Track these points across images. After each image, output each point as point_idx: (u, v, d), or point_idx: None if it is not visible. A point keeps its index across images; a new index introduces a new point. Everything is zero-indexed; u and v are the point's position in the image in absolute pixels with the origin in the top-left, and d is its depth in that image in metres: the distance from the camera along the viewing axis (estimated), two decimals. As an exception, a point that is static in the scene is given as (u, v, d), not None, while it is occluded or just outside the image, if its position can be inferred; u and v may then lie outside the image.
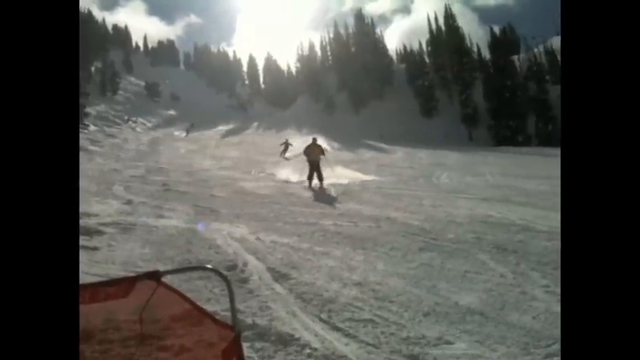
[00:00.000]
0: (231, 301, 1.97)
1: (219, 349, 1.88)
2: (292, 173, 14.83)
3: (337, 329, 3.32)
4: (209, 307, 3.58)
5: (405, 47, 63.86)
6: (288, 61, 75.69)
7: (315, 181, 12.63)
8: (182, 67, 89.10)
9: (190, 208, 8.63)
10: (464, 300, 3.78)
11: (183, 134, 46.06)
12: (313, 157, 13.05)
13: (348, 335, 3.22)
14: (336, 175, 13.69)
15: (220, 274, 2.03)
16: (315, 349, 3.00)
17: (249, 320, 3.47)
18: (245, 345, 3.05)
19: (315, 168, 12.80)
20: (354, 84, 56.46)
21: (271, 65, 75.77)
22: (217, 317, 2.45)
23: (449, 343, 3.06)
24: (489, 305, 3.68)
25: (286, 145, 27.44)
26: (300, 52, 69.24)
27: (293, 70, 71.91)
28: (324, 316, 3.57)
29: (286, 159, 23.82)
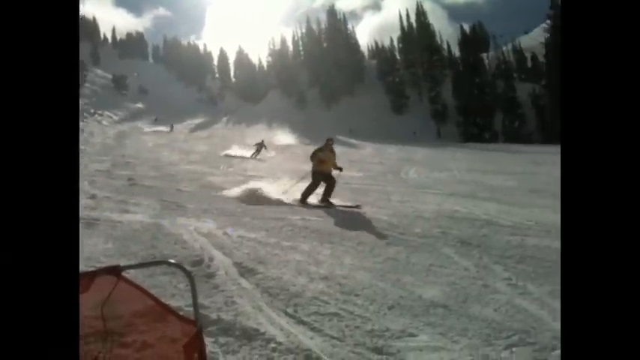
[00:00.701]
0: (194, 296, 1.95)
1: (182, 344, 1.87)
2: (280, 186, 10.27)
3: (303, 323, 3.32)
4: (173, 303, 3.54)
5: (376, 43, 64.31)
6: (259, 55, 75.03)
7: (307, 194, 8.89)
8: (151, 60, 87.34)
9: (156, 203, 8.49)
10: (428, 293, 3.83)
11: (168, 129, 45.26)
12: (324, 167, 8.99)
13: (313, 329, 3.22)
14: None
15: (182, 269, 2.01)
16: (280, 344, 2.99)
17: (213, 315, 3.43)
18: (209, 340, 3.03)
19: (322, 181, 8.90)
20: (325, 79, 56.59)
21: (242, 59, 75.01)
22: (181, 313, 2.43)
23: (412, 335, 3.10)
24: (452, 298, 3.74)
25: (260, 146, 25.00)
26: (271, 47, 68.94)
27: (264, 64, 71.39)
28: (290, 310, 3.56)
29: (258, 160, 22.38)
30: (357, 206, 8.18)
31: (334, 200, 8.62)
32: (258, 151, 24.64)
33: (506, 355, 2.83)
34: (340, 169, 9.30)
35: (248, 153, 24.18)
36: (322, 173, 8.95)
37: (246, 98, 66.66)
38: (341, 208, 8.15)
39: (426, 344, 2.98)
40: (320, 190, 8.89)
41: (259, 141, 26.04)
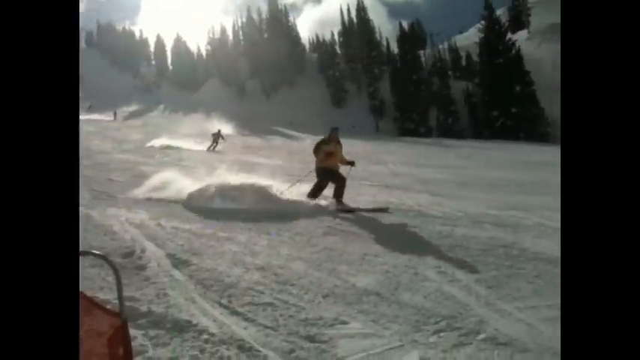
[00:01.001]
0: (119, 288, 1.91)
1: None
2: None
3: (236, 314, 3.30)
4: (102, 296, 3.43)
5: (317, 37, 64.42)
6: (198, 43, 72.82)
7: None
8: (84, 45, 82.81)
9: (86, 193, 8.11)
10: (361, 282, 3.92)
11: (111, 117, 43.08)
12: (331, 163, 7.54)
13: (247, 319, 3.21)
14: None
15: (107, 260, 1.95)
16: (213, 335, 2.96)
17: (144, 308, 3.34)
18: (139, 333, 2.94)
19: (330, 180, 7.52)
20: (265, 70, 56.03)
21: (180, 46, 72.56)
22: (109, 306, 2.35)
23: (344, 322, 3.16)
24: (385, 286, 3.84)
25: (217, 137, 22.29)
26: (211, 35, 67.28)
27: (203, 52, 69.56)
28: (224, 301, 3.53)
29: (217, 153, 20.27)
30: (386, 209, 6.97)
31: (347, 200, 7.32)
32: (215, 142, 22.02)
33: (434, 339, 2.95)
34: (352, 164, 7.72)
35: (180, 143, 21.81)
36: (329, 171, 7.47)
37: (184, 86, 64.76)
38: (362, 213, 6.87)
39: (357, 331, 3.04)
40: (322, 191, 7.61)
41: (215, 131, 23.01)
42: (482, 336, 2.95)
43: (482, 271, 4.17)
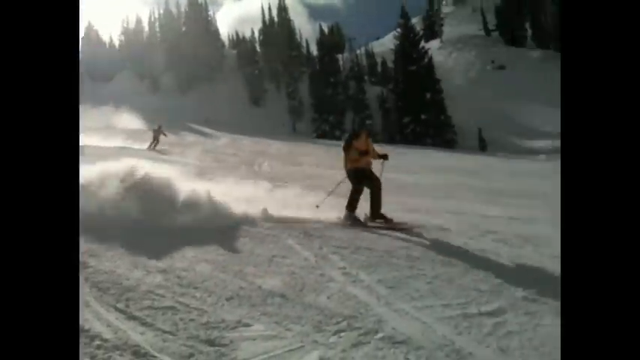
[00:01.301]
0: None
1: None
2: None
3: (134, 318, 3.15)
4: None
5: (237, 33, 63.55)
6: (111, 33, 68.50)
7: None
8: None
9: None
10: (267, 283, 3.91)
11: None
12: (364, 162, 6.44)
13: (144, 324, 3.08)
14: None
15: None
16: (106, 340, 2.81)
17: (31, 314, 3.09)
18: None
19: (364, 183, 6.35)
20: (182, 64, 54.35)
21: (91, 35, 68.11)
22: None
23: (247, 325, 3.13)
24: (291, 287, 3.86)
25: (158, 134, 20.48)
26: (125, 25, 63.99)
27: (116, 43, 65.90)
28: (120, 305, 3.36)
29: (158, 152, 18.24)
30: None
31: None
32: (156, 139, 20.13)
33: (334, 339, 3.00)
34: (385, 158, 6.62)
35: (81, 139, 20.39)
36: (363, 171, 6.35)
37: (93, 77, 61.00)
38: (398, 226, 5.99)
39: (259, 334, 3.03)
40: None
41: (156, 127, 21.02)
42: (380, 335, 3.04)
43: (385, 272, 4.32)
